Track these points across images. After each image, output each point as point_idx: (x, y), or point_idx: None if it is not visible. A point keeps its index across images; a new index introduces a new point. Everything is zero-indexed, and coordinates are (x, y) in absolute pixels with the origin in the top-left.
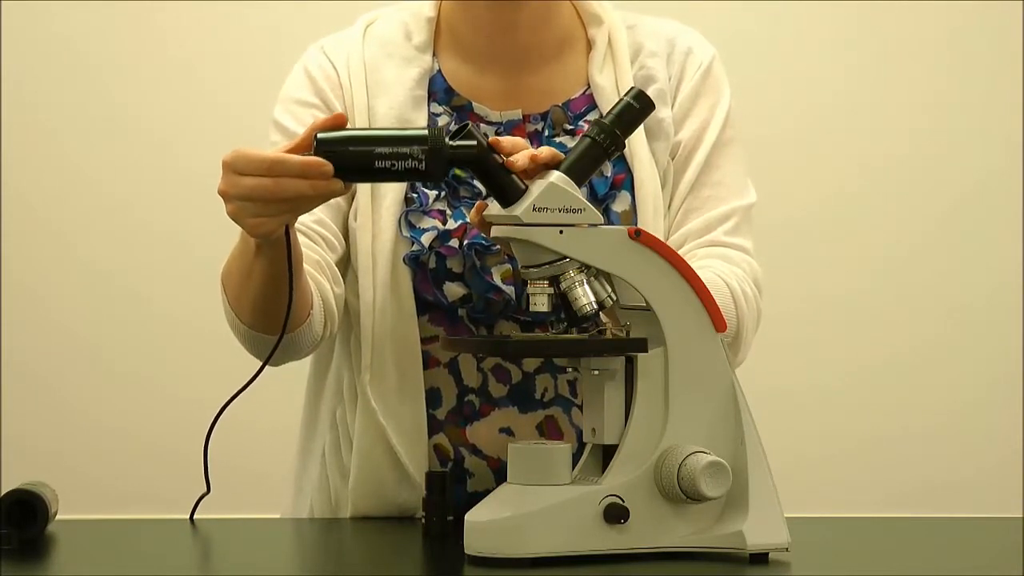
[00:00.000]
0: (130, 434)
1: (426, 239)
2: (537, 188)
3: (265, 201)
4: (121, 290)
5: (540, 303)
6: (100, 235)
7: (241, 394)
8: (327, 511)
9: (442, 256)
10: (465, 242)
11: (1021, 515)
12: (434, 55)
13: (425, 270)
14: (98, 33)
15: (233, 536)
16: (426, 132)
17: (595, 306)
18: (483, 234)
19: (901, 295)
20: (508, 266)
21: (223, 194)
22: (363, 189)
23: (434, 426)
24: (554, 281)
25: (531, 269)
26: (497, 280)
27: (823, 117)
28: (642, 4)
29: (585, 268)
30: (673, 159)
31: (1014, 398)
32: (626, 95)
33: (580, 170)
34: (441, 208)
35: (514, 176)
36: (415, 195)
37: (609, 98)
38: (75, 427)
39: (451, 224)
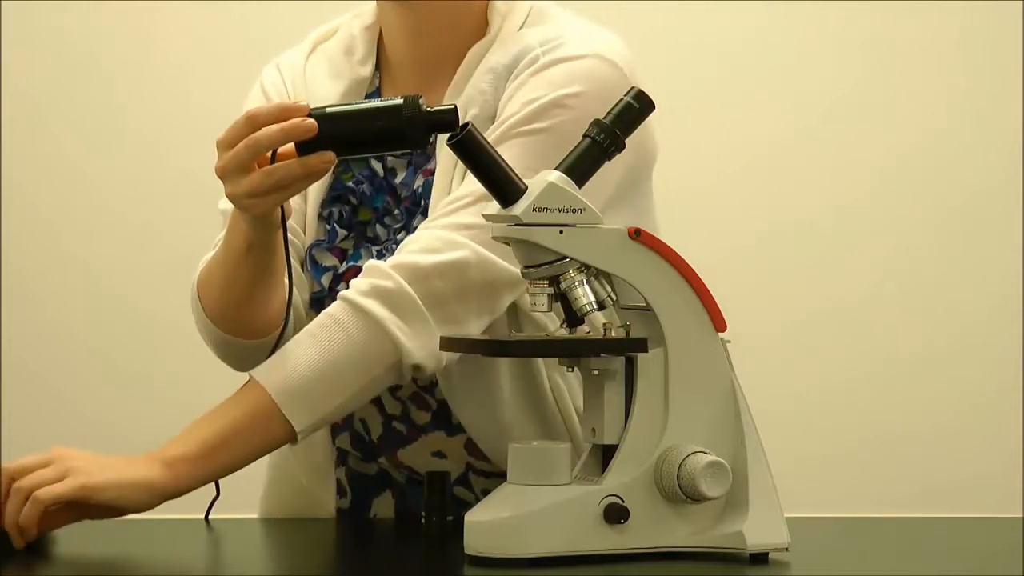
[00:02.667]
0: (130, 434)
1: (325, 280)
2: (537, 188)
3: (252, 162)
4: (121, 291)
5: (540, 303)
6: (100, 235)
7: None
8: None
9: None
10: None
11: (1021, 515)
12: (377, 67)
13: None
14: (99, 34)
15: (232, 536)
16: (401, 100)
17: (595, 306)
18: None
19: (901, 296)
20: None
21: (219, 172)
22: (297, 217)
23: (371, 451)
24: (554, 281)
25: (531, 269)
26: None
27: (826, 122)
28: (651, 5)
29: (585, 268)
30: None
31: (1014, 398)
32: (626, 95)
33: (580, 170)
34: (344, 247)
35: (513, 175)
36: (329, 227)
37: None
38: (75, 427)
39: (346, 266)
